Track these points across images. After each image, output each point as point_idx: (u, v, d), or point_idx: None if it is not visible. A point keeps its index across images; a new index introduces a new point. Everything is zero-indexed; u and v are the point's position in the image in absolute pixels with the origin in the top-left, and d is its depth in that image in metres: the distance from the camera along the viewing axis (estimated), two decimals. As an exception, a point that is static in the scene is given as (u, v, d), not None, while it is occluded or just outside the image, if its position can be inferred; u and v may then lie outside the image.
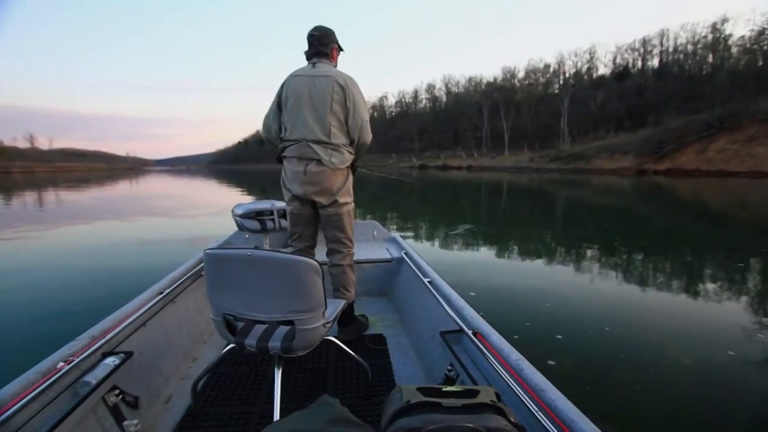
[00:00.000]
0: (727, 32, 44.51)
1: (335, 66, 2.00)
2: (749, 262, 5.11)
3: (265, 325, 1.35)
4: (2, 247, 6.58)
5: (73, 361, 1.21)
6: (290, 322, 1.24)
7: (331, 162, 1.86)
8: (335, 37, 1.99)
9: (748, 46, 39.92)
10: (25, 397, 1.02)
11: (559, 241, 6.68)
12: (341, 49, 2.06)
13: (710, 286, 4.13)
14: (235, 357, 1.86)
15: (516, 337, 2.60)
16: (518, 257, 5.48)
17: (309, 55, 1.96)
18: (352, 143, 1.95)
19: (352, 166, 2.01)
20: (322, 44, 1.93)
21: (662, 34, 52.94)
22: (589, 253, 5.68)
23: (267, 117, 2.02)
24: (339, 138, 1.88)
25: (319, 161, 1.85)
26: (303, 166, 1.86)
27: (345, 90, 1.86)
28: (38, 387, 1.07)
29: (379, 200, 13.44)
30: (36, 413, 1.04)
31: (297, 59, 2.04)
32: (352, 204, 2.03)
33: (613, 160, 31.46)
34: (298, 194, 1.91)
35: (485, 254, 5.61)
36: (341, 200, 1.94)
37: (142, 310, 1.63)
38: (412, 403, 0.70)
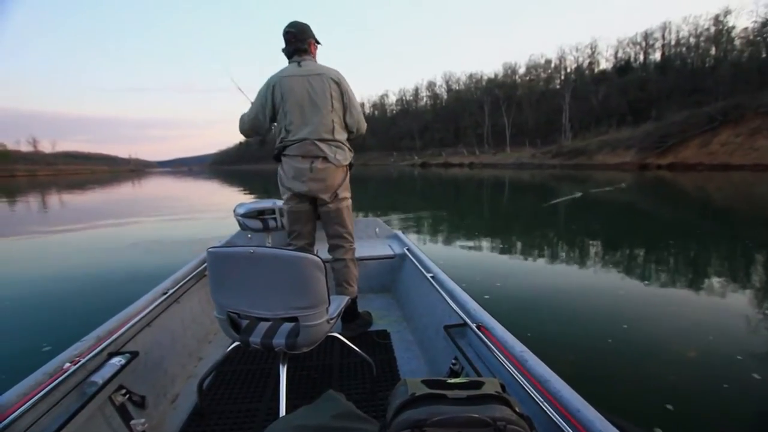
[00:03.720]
0: (730, 24, 44.16)
1: (315, 60, 2.02)
2: (753, 255, 5.08)
3: (270, 323, 1.36)
4: (8, 248, 6.63)
5: (80, 361, 1.22)
6: (294, 319, 1.25)
7: (336, 159, 1.92)
8: (311, 31, 2.01)
9: (751, 38, 39.51)
10: (33, 397, 1.02)
11: (559, 236, 6.66)
12: (318, 43, 2.06)
13: (713, 279, 4.10)
14: (240, 355, 1.87)
15: (529, 334, 2.61)
16: (520, 253, 5.47)
17: (289, 53, 1.97)
18: (349, 138, 2.03)
19: (350, 163, 2.05)
20: (299, 40, 1.95)
21: (664, 27, 52.55)
22: (590, 247, 5.67)
23: (254, 117, 1.99)
24: (341, 134, 1.96)
25: (325, 158, 1.89)
26: (308, 164, 1.89)
27: (340, 86, 1.93)
28: (45, 387, 1.07)
29: (379, 197, 13.43)
30: (44, 414, 1.05)
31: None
32: (350, 200, 2.06)
33: (615, 155, 31.26)
34: (301, 191, 1.93)
35: (486, 251, 5.60)
36: (341, 195, 1.99)
37: (147, 311, 1.64)
38: (417, 395, 0.70)
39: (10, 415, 0.96)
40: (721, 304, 3.39)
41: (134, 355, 1.40)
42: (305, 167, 1.89)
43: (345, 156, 1.97)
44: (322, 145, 1.89)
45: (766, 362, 2.39)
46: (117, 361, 1.33)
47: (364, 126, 2.07)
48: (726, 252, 5.40)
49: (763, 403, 2.02)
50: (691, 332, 2.77)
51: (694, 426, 1.85)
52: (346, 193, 2.02)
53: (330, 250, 2.09)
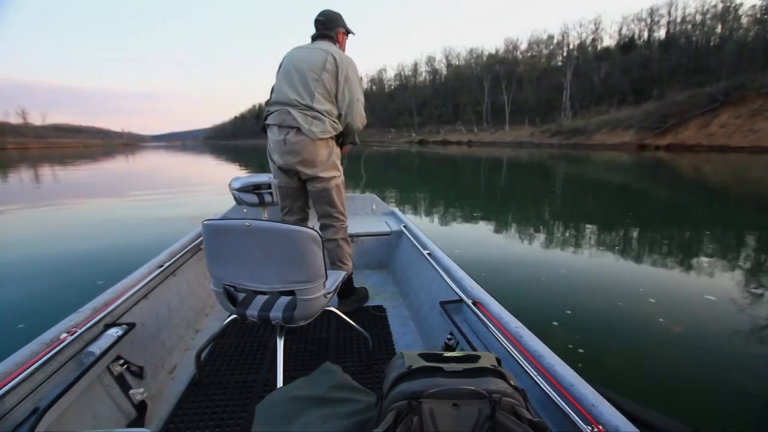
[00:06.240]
0: (738, 1, 43.01)
1: (340, 48, 1.98)
2: (742, 236, 5.14)
3: (266, 296, 1.36)
4: (1, 222, 6.57)
5: (76, 332, 1.21)
6: (291, 293, 1.24)
7: (311, 131, 1.78)
8: (342, 21, 1.98)
9: (758, 16, 38.52)
10: (30, 367, 1.02)
11: (554, 216, 6.69)
12: (349, 32, 2.03)
13: (702, 258, 4.16)
14: (237, 328, 1.89)
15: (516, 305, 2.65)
16: (515, 232, 5.50)
17: (313, 38, 1.97)
18: (339, 117, 1.88)
19: (338, 140, 1.93)
20: (326, 28, 1.94)
21: (670, 3, 51.20)
22: (584, 228, 5.70)
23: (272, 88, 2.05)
24: (323, 104, 1.80)
25: (299, 130, 1.78)
26: (283, 135, 1.81)
27: (338, 64, 1.81)
28: (43, 357, 1.07)
29: (377, 173, 13.35)
30: (42, 382, 1.05)
31: (297, 34, 2.01)
32: (341, 178, 1.97)
33: (614, 135, 31.11)
34: (280, 165, 1.88)
35: (484, 228, 5.63)
36: (327, 175, 1.88)
37: (143, 283, 1.63)
38: (414, 368, 0.71)
39: (8, 383, 0.96)
40: (709, 282, 3.45)
41: (131, 326, 1.41)
42: (280, 138, 1.82)
43: (323, 129, 1.79)
44: (296, 114, 1.77)
45: (750, 338, 2.46)
46: (114, 332, 1.33)
47: (355, 113, 1.86)
48: (713, 232, 5.46)
49: (743, 375, 2.09)
50: (679, 309, 2.83)
51: (693, 405, 1.91)
52: (333, 171, 1.90)
53: (321, 230, 2.03)
